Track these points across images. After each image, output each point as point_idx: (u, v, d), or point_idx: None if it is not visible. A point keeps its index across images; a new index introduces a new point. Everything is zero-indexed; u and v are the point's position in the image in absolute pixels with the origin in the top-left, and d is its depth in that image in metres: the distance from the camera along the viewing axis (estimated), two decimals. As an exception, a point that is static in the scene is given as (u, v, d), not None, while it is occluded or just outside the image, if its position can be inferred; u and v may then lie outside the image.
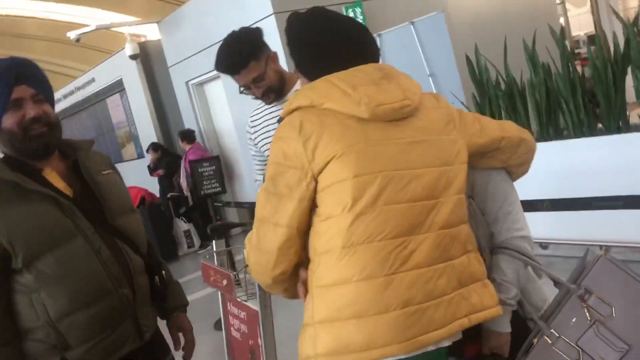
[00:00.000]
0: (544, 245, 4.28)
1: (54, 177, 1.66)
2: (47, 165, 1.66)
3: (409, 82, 1.40)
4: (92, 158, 1.77)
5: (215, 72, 7.17)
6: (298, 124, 1.30)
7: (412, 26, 5.39)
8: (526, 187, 4.16)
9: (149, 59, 8.93)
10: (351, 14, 6.37)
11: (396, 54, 5.65)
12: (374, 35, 5.71)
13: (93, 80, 10.44)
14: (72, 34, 8.56)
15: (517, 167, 1.58)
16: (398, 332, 1.18)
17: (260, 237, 1.35)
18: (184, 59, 7.82)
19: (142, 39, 9.82)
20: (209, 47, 7.19)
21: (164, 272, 1.88)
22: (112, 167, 1.84)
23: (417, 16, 5.50)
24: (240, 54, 2.11)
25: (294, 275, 1.37)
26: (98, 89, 10.35)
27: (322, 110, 1.30)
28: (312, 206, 1.32)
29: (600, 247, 4.00)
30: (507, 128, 1.51)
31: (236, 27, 2.21)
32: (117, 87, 9.67)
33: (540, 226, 4.23)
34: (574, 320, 1.38)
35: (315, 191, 1.30)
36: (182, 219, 7.38)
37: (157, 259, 1.88)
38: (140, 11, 10.64)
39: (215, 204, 6.17)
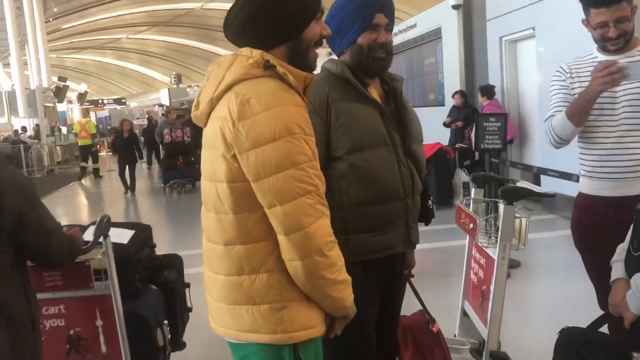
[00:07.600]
0: None
1: (375, 94, 1.98)
2: (371, 83, 2.00)
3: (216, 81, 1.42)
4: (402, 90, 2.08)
5: (530, 31, 7.07)
6: None
7: None
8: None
9: (470, 10, 9.07)
10: None
11: None
12: None
13: (415, 25, 11.03)
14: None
15: None
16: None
17: None
18: (503, 14, 7.76)
19: (468, -10, 9.93)
20: (530, 4, 7.01)
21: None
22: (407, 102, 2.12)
23: None
24: None
25: None
26: (417, 35, 10.91)
27: None
28: None
29: None
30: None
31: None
32: (435, 35, 10.06)
33: None
34: None
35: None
36: (464, 170, 7.58)
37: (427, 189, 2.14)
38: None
39: (492, 159, 6.20)
